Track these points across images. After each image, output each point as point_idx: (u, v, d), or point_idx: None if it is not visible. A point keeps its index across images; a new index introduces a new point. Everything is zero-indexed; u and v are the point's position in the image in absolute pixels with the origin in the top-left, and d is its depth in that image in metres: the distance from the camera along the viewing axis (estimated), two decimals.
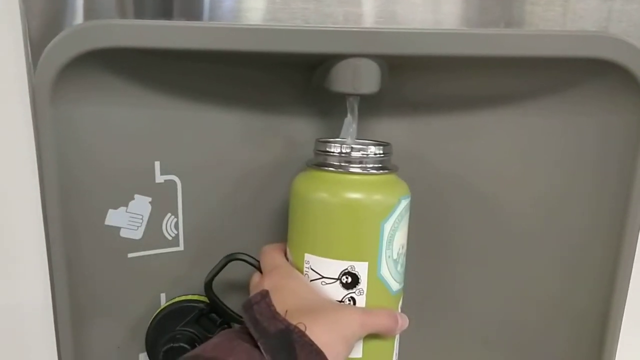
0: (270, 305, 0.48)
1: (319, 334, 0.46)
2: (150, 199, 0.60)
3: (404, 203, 0.53)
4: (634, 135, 0.56)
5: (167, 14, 0.59)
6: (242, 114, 0.61)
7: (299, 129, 0.63)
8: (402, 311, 0.56)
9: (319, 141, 0.55)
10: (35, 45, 0.55)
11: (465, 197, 0.64)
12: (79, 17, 0.57)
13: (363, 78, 0.53)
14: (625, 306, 0.59)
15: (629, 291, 0.59)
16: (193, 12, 0.59)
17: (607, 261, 0.59)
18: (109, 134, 0.57)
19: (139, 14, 0.59)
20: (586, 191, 0.60)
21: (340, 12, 0.58)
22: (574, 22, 0.60)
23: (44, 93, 0.51)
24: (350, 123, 0.56)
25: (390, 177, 0.54)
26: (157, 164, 0.60)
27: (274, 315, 0.47)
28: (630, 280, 0.59)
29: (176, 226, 0.62)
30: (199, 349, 0.46)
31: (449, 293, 0.67)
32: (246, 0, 0.58)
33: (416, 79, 0.60)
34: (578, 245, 0.61)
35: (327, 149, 0.54)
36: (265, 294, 0.48)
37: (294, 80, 0.61)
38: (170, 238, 0.62)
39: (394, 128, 0.63)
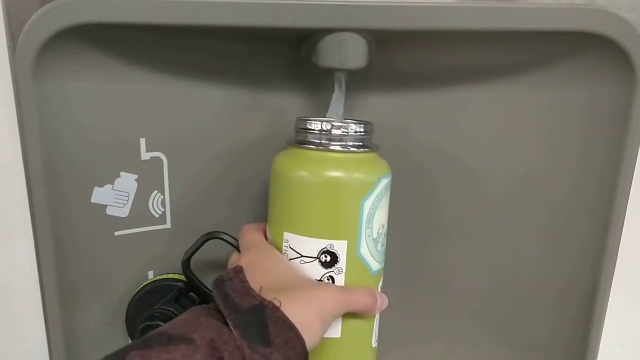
0: (244, 281, 0.47)
1: (295, 311, 0.45)
2: (136, 177, 0.60)
3: (385, 182, 0.53)
4: (622, 108, 0.55)
5: None
6: (228, 89, 0.61)
7: (287, 104, 0.62)
8: (383, 291, 0.56)
9: (300, 119, 0.55)
10: (16, 20, 0.55)
11: (453, 172, 0.64)
12: None
13: (350, 53, 0.53)
14: (613, 279, 0.59)
15: (616, 265, 0.59)
16: None
17: (595, 234, 0.59)
18: (93, 111, 0.56)
19: None
20: (574, 165, 0.60)
21: None
22: None
23: (25, 69, 0.50)
24: (338, 99, 0.55)
25: (371, 156, 0.54)
26: (142, 141, 0.59)
27: (248, 291, 0.46)
28: (618, 255, 0.59)
29: (163, 204, 0.62)
30: (166, 326, 0.45)
31: (436, 268, 0.67)
32: None
33: (405, 54, 0.59)
34: (566, 218, 0.61)
35: (308, 127, 0.53)
36: (239, 270, 0.48)
37: (282, 54, 0.60)
38: (157, 216, 0.62)
39: (383, 103, 0.62)
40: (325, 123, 0.53)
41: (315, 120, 0.53)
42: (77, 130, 0.56)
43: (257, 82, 0.61)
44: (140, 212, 0.61)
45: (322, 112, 0.56)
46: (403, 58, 0.59)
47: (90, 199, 0.59)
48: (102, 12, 0.50)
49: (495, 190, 0.63)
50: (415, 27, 0.52)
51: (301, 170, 0.52)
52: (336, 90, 0.55)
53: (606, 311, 0.60)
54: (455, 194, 0.64)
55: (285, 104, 0.62)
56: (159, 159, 0.61)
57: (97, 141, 0.57)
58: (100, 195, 0.59)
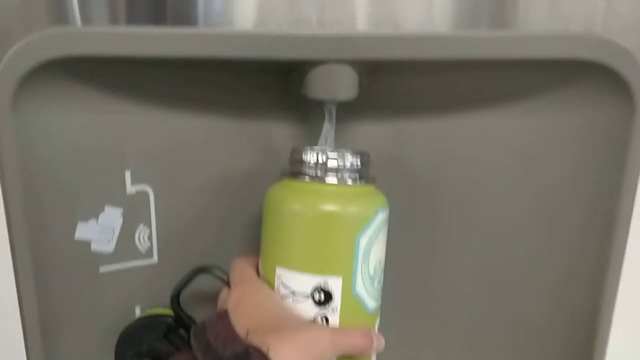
0: (229, 325, 0.45)
1: (285, 354, 0.43)
2: (121, 211, 0.58)
3: (382, 216, 0.51)
4: (621, 134, 0.54)
5: (158, 19, 0.57)
6: (216, 120, 0.59)
7: (276, 135, 0.61)
8: (379, 330, 0.54)
9: (294, 150, 0.53)
10: None
11: (449, 200, 0.62)
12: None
13: (340, 84, 0.52)
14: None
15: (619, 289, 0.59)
16: (184, 17, 0.57)
17: (596, 250, 0.58)
18: (76, 143, 0.54)
19: (131, 19, 0.57)
20: (573, 192, 0.59)
21: (314, 15, 0.56)
22: (558, 22, 0.58)
23: (5, 102, 0.49)
24: (328, 130, 0.54)
25: (367, 189, 0.52)
26: (127, 174, 0.57)
27: (232, 336, 0.44)
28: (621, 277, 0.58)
29: (149, 238, 0.60)
30: None
31: (434, 295, 0.66)
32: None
33: (396, 83, 0.58)
34: (569, 245, 0.60)
35: (302, 158, 0.52)
36: (223, 315, 0.46)
37: (270, 84, 0.59)
38: (143, 251, 0.60)
39: (375, 132, 0.61)
40: (320, 154, 0.51)
41: (310, 151, 0.52)
42: (60, 164, 0.54)
43: (245, 113, 0.60)
44: (125, 246, 0.59)
45: (311, 142, 0.55)
46: (395, 87, 0.58)
47: (74, 234, 0.56)
48: (83, 44, 0.48)
49: (492, 218, 0.62)
50: (406, 57, 0.51)
51: (295, 203, 0.50)
52: (326, 121, 0.54)
53: (611, 324, 0.60)
54: (452, 222, 0.63)
55: (274, 134, 0.61)
56: (145, 192, 0.59)
57: (81, 175, 0.55)
58: (84, 230, 0.57)
